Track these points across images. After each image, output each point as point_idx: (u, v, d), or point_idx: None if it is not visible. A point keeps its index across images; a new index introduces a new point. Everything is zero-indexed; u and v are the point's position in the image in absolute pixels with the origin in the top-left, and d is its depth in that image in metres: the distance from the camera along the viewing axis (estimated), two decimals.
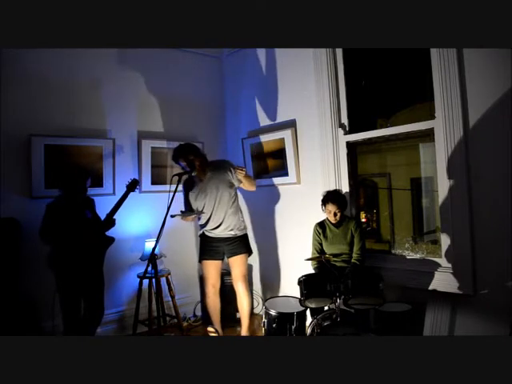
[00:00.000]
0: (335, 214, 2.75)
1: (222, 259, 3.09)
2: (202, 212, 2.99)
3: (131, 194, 3.03)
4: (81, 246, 2.65)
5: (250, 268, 3.81)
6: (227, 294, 3.50)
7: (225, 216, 2.97)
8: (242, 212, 3.17)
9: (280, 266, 3.80)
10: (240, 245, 3.04)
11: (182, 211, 2.96)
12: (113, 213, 2.86)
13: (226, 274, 3.52)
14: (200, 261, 3.13)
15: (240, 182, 3.05)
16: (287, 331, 2.47)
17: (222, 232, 3.00)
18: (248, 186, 3.13)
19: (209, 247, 3.05)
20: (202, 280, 3.85)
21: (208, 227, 3.02)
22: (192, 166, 2.88)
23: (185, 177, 2.98)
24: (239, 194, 3.45)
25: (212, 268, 3.06)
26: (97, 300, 2.79)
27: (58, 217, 2.61)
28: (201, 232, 3.10)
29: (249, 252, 3.13)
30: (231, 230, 3.00)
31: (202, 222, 3.06)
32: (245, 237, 3.11)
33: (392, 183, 3.91)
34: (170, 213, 2.51)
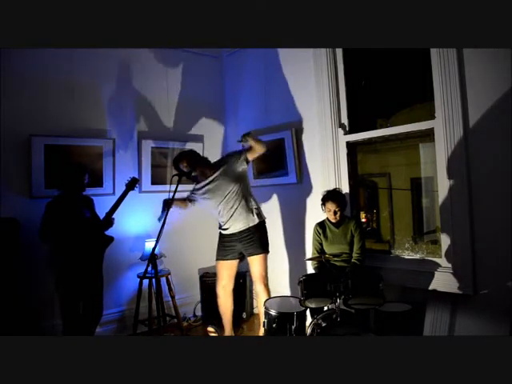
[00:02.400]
0: (335, 213, 2.75)
1: (238, 258, 3.03)
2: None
3: (131, 193, 3.02)
4: (80, 246, 2.65)
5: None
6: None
7: (234, 212, 2.91)
8: (255, 200, 3.01)
9: (278, 266, 3.79)
10: (255, 244, 2.91)
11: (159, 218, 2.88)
12: (112, 212, 2.85)
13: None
14: (216, 260, 3.09)
15: (247, 160, 2.92)
16: (287, 331, 2.46)
17: (233, 228, 2.94)
18: (260, 149, 2.91)
19: (223, 246, 3.02)
20: (202, 280, 3.85)
21: (221, 224, 3.01)
22: (192, 170, 2.90)
23: (184, 178, 2.98)
24: None
25: (223, 268, 3.02)
26: (96, 299, 2.79)
27: (58, 215, 2.61)
28: (219, 230, 3.08)
29: (265, 250, 2.96)
30: (243, 224, 2.92)
31: (218, 220, 3.04)
32: (259, 229, 2.94)
33: (392, 183, 3.90)
34: (169, 214, 2.51)
